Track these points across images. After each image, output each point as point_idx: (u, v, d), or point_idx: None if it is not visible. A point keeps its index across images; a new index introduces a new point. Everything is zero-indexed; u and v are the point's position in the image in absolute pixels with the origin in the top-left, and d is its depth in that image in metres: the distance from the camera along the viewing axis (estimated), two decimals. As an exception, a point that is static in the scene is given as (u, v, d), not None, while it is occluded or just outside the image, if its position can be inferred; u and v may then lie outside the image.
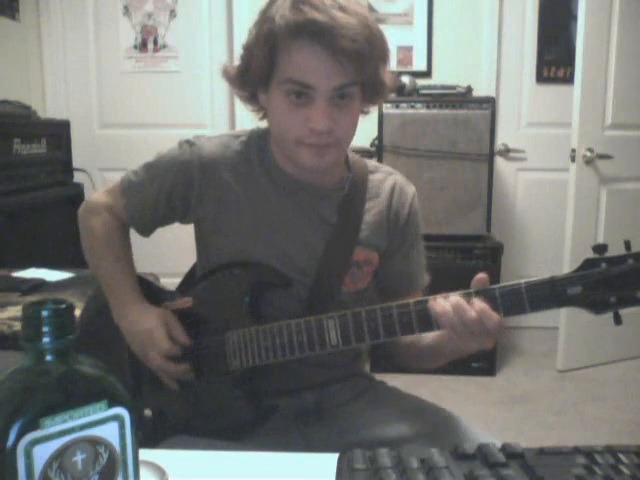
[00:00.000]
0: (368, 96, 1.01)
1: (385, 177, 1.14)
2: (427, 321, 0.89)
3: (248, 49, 0.99)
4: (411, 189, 1.14)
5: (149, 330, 1.03)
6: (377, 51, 0.95)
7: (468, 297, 0.87)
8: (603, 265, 0.82)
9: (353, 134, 1.02)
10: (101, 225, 1.13)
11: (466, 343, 0.88)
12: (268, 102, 1.01)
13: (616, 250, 0.83)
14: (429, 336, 1.00)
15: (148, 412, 1.07)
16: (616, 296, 0.82)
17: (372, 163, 1.16)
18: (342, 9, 0.91)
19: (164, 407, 1.08)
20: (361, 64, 0.92)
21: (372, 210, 1.10)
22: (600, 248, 0.83)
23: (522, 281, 0.84)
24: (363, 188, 1.10)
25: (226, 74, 1.05)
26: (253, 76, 0.99)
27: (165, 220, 1.13)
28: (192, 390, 1.06)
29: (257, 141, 1.10)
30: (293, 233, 1.06)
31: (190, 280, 1.18)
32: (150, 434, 1.05)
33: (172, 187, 1.07)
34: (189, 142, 1.09)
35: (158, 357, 1.03)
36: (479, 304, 0.85)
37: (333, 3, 0.91)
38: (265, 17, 0.96)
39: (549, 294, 0.84)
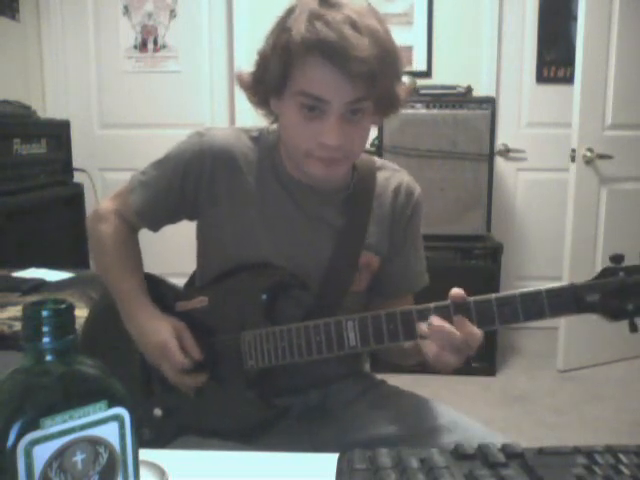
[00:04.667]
0: (381, 109, 1.00)
1: (391, 175, 1.13)
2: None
3: (264, 57, 0.98)
4: (417, 189, 1.14)
5: (162, 342, 1.02)
6: (390, 68, 0.94)
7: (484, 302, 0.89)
8: (621, 274, 0.85)
9: (363, 148, 1.02)
10: (109, 229, 1.13)
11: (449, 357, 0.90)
12: (280, 110, 1.01)
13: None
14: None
15: (158, 411, 1.06)
16: (633, 304, 0.84)
17: (379, 160, 1.15)
18: (354, 26, 0.89)
19: (174, 407, 1.07)
20: (373, 83, 0.91)
21: (377, 210, 1.10)
22: (617, 258, 0.86)
23: (543, 287, 0.87)
24: (370, 187, 1.09)
25: (240, 80, 1.04)
26: (267, 84, 0.98)
27: (176, 212, 1.12)
28: (203, 390, 1.05)
29: (268, 141, 1.09)
30: (299, 237, 1.06)
31: (201, 280, 1.16)
32: (159, 434, 1.05)
33: (185, 175, 1.06)
34: (199, 133, 1.09)
35: (172, 371, 1.03)
36: (462, 323, 0.87)
37: (345, 18, 0.89)
38: (282, 27, 0.95)
39: (569, 300, 0.86)
